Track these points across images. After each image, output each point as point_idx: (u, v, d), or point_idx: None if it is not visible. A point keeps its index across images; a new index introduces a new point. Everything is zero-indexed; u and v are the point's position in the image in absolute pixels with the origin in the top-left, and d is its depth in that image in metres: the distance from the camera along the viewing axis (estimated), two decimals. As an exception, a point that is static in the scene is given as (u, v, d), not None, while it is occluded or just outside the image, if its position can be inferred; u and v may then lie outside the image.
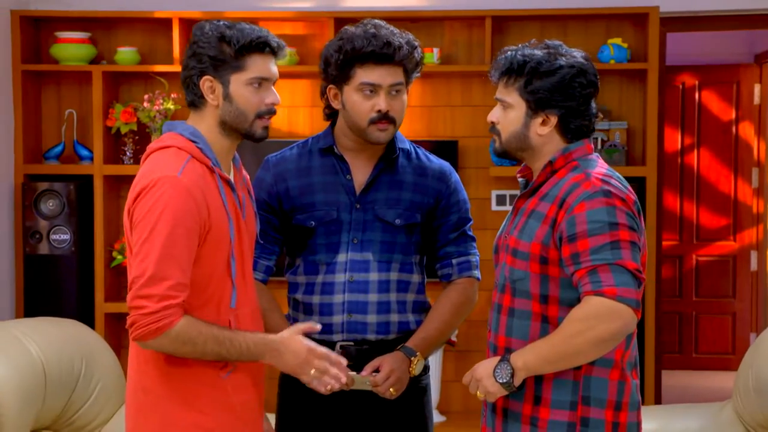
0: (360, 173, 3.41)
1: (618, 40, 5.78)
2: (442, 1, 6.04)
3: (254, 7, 6.07)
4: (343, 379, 3.00)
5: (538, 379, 2.91)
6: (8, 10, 5.90)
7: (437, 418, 5.79)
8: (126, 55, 5.97)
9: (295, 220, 3.40)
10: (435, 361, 5.69)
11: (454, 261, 3.46)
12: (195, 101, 3.00)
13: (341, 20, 5.80)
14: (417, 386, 3.44)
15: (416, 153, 3.48)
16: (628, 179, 5.61)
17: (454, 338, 5.73)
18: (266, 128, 3.03)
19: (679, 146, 8.75)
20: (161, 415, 2.92)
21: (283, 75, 6.04)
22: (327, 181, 3.40)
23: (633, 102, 5.98)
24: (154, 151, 2.96)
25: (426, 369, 3.49)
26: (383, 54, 3.26)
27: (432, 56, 5.85)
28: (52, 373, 4.17)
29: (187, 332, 2.81)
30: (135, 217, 2.86)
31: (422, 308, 3.47)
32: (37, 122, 6.12)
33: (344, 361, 3.04)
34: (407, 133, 5.86)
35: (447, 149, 5.86)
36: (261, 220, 3.41)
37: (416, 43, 3.34)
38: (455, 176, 3.50)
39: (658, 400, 6.08)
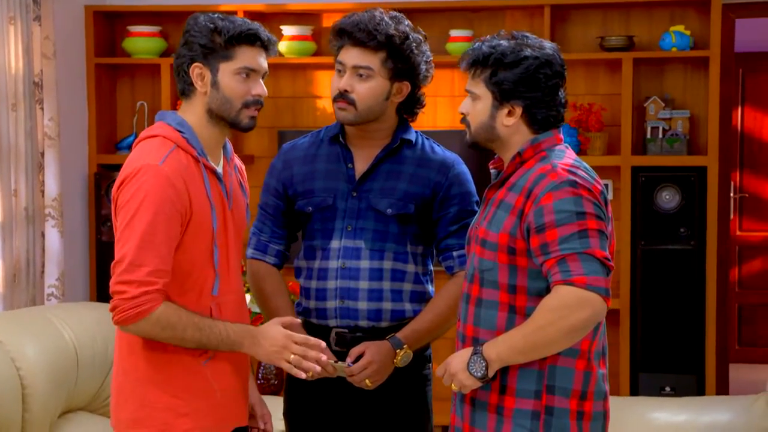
0: (362, 162, 3.45)
1: (680, 28, 5.66)
2: (502, -10, 6.02)
3: (316, -2, 6.15)
4: (324, 358, 3.02)
5: (504, 369, 2.92)
6: (83, 6, 6.11)
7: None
8: (194, 47, 6.10)
9: (297, 205, 3.47)
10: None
11: (454, 253, 3.45)
12: (185, 89, 3.07)
13: (402, 12, 5.77)
14: (419, 375, 3.48)
15: (422, 144, 3.48)
16: (688, 169, 5.61)
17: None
18: (253, 118, 3.08)
19: (779, 135, 8.53)
20: (138, 396, 3.01)
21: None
22: (329, 169, 3.46)
23: (697, 90, 5.84)
24: (143, 139, 3.05)
25: (427, 359, 3.51)
26: (350, 33, 3.33)
27: (491, 46, 5.82)
28: (84, 355, 4.32)
29: (167, 318, 2.89)
30: (118, 204, 2.95)
31: (422, 298, 3.48)
32: (111, 114, 6.32)
33: (323, 344, 3.05)
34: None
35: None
36: (271, 206, 3.51)
37: (406, 36, 3.37)
38: (458, 168, 3.46)
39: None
